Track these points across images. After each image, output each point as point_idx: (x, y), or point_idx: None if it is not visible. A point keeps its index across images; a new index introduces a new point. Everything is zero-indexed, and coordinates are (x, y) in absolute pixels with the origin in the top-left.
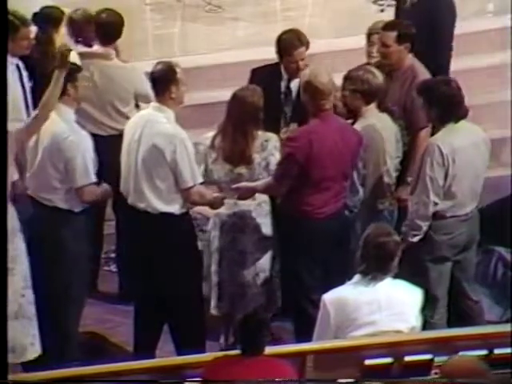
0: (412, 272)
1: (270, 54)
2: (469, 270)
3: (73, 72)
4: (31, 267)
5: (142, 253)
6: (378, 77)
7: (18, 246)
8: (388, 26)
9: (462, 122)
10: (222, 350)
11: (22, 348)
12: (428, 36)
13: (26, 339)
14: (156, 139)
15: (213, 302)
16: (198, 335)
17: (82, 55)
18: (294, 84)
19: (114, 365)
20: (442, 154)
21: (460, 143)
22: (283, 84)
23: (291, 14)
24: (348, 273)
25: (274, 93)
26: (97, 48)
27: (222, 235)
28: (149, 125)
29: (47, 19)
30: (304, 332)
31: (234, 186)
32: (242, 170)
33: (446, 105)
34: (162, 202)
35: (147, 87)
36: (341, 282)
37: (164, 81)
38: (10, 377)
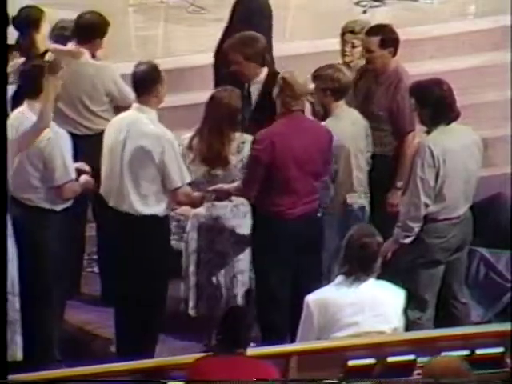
0: (402, 274)
1: None
2: (460, 271)
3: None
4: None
5: (122, 254)
6: (347, 74)
7: (10, 250)
8: (371, 31)
9: (454, 124)
10: (204, 351)
11: None
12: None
13: (9, 344)
14: (143, 141)
15: (191, 303)
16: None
17: (53, 53)
18: (254, 89)
19: (97, 366)
20: (432, 154)
21: (451, 145)
22: (245, 88)
23: (274, 15)
24: (319, 275)
25: None
26: (69, 46)
27: (199, 237)
28: (134, 126)
29: (27, 22)
30: (268, 335)
31: (211, 187)
32: (219, 171)
33: (438, 106)
34: (146, 205)
35: (120, 87)
36: (311, 285)
37: (148, 81)
38: (10, 377)
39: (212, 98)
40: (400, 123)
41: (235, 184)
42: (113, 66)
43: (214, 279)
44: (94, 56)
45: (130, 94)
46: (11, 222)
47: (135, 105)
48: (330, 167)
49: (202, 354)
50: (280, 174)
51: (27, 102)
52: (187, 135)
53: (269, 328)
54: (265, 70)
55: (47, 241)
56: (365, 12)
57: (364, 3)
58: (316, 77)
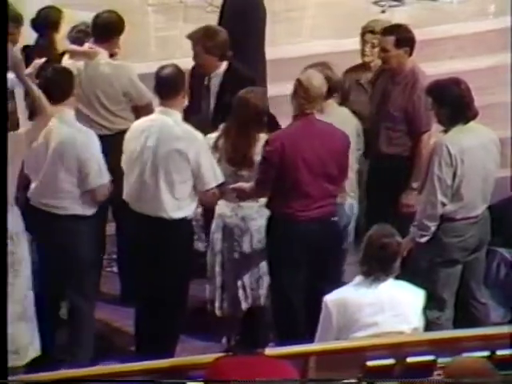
0: (420, 273)
1: (270, 55)
2: (478, 271)
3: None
4: (48, 276)
5: (145, 255)
6: (336, 72)
7: (22, 249)
8: (386, 31)
9: (472, 123)
10: (224, 351)
11: (24, 349)
12: (241, 34)
13: (27, 340)
14: (177, 143)
15: (217, 304)
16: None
17: (71, 54)
18: (214, 81)
19: (117, 366)
20: (450, 153)
21: (469, 144)
22: (205, 80)
23: (292, 15)
24: (335, 277)
25: (197, 89)
26: (85, 47)
27: (224, 237)
28: (164, 130)
29: (46, 22)
30: (284, 335)
31: (231, 186)
32: (244, 172)
33: (456, 105)
34: (179, 208)
35: (137, 86)
36: (327, 286)
37: (174, 84)
38: (10, 378)
39: (238, 98)
40: (415, 123)
41: (251, 184)
42: (130, 65)
43: (239, 280)
44: (112, 55)
45: (147, 93)
46: (22, 226)
47: (160, 108)
48: (347, 171)
49: (222, 354)
50: (290, 176)
51: (53, 107)
52: (212, 135)
53: (284, 328)
54: (224, 64)
55: (79, 246)
56: (383, 12)
57: (382, 3)
58: None
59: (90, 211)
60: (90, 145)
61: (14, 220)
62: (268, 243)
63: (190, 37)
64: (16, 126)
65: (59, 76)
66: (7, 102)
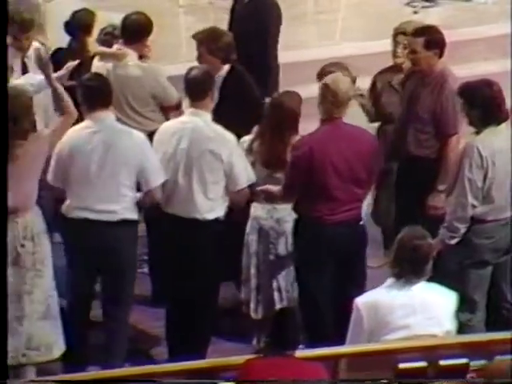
0: (451, 275)
1: (301, 57)
2: (509, 273)
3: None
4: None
5: (177, 257)
6: (351, 72)
7: (44, 249)
8: (416, 32)
9: (503, 125)
10: (254, 352)
11: (47, 347)
12: (256, 35)
13: (52, 338)
14: (210, 144)
15: (252, 305)
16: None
17: (100, 55)
18: (216, 84)
19: (148, 367)
20: (481, 155)
21: (500, 146)
22: None
23: (323, 17)
24: (361, 280)
25: None
26: (115, 48)
27: (260, 239)
28: (196, 132)
29: (79, 25)
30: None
31: (259, 188)
32: (279, 174)
33: (487, 107)
34: (213, 209)
35: (165, 87)
36: (354, 290)
37: (203, 86)
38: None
39: (273, 101)
40: (443, 125)
41: (279, 187)
42: (158, 66)
43: (274, 282)
44: (141, 57)
45: (175, 94)
46: (43, 227)
47: (190, 110)
48: (375, 175)
49: (252, 356)
50: (318, 181)
51: (96, 113)
52: (246, 138)
53: (313, 330)
54: (226, 67)
55: (125, 250)
56: (415, 13)
57: (415, 4)
58: (322, 75)
59: (137, 215)
60: (147, 145)
61: (36, 220)
62: (295, 246)
63: (195, 37)
64: (34, 128)
65: (103, 83)
66: (7, 102)
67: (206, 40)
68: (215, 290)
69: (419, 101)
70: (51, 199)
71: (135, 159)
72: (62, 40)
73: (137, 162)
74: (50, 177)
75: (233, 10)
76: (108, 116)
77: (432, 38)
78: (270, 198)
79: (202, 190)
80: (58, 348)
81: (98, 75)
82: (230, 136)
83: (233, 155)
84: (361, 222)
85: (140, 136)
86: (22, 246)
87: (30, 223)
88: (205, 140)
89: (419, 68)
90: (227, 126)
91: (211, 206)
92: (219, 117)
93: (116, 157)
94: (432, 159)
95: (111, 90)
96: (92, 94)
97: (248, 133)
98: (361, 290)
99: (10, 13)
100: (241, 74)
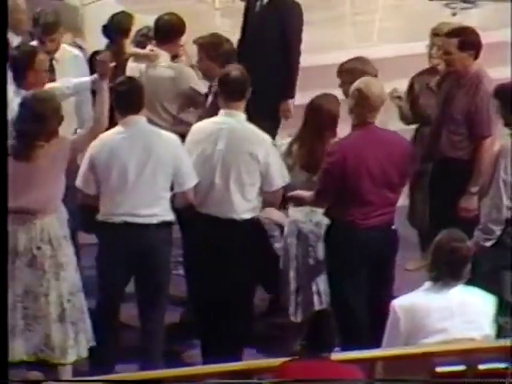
0: (486, 278)
1: (339, 59)
2: None
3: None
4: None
5: (214, 258)
6: (374, 66)
7: (66, 253)
8: (450, 33)
9: None
10: (290, 355)
11: (61, 350)
12: (278, 38)
13: (67, 343)
14: (248, 145)
15: (291, 309)
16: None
17: (134, 57)
18: (213, 89)
19: (184, 369)
20: None
21: None
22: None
23: (361, 19)
24: (388, 284)
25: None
26: (147, 49)
27: (299, 242)
28: (233, 132)
29: (117, 28)
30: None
31: (289, 193)
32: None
33: None
34: (250, 209)
35: (197, 88)
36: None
37: (242, 86)
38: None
39: (312, 103)
40: (476, 126)
41: (311, 193)
42: (189, 67)
43: (314, 285)
44: (175, 57)
45: (203, 91)
46: (65, 231)
47: (225, 110)
48: (407, 178)
49: (288, 358)
50: (352, 186)
51: (128, 117)
52: (284, 141)
53: (347, 333)
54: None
55: (166, 253)
56: (454, 14)
57: (453, 5)
58: (344, 71)
59: (173, 216)
60: (180, 147)
61: (56, 224)
62: (328, 250)
63: (196, 42)
64: (57, 132)
65: (134, 87)
66: (7, 102)
67: (207, 46)
68: (252, 290)
69: (454, 102)
70: (81, 204)
71: (170, 161)
72: (100, 42)
73: (172, 164)
74: (80, 182)
75: (246, 11)
76: (140, 120)
77: (467, 39)
78: (300, 203)
79: (240, 191)
80: (75, 353)
81: (129, 79)
82: (265, 136)
83: (269, 156)
84: (393, 227)
85: (173, 138)
86: (38, 248)
87: (47, 226)
88: (242, 141)
89: (454, 69)
90: None
91: (248, 207)
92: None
93: (153, 160)
94: (465, 161)
95: (143, 93)
96: (123, 99)
97: None
98: (389, 294)
99: (35, 15)
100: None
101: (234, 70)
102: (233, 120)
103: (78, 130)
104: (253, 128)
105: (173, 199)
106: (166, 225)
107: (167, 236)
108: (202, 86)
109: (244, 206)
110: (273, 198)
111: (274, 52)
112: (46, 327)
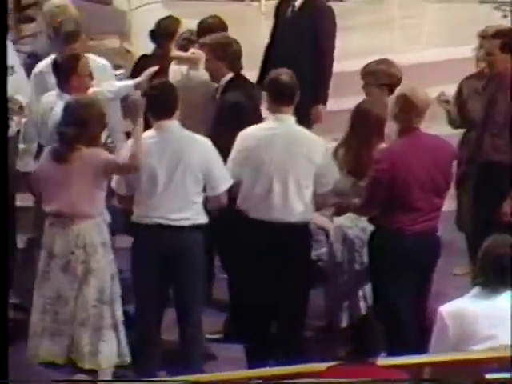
0: None
1: None
2: None
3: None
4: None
5: (266, 263)
6: (399, 69)
7: (99, 259)
8: (495, 35)
9: None
10: (336, 359)
11: (92, 355)
12: (311, 44)
13: (85, 348)
14: (303, 148)
15: (337, 314)
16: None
17: (177, 60)
18: (220, 88)
19: (230, 373)
20: None
21: None
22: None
23: (410, 22)
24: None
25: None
26: (190, 52)
27: (344, 247)
28: (287, 136)
29: (165, 33)
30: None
31: (332, 202)
32: (365, 183)
33: None
34: (308, 212)
35: None
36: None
37: (295, 90)
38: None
39: (358, 108)
40: None
41: (356, 201)
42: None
43: (360, 290)
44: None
45: None
46: (103, 238)
47: (275, 115)
48: (450, 182)
49: (334, 363)
50: (401, 194)
51: (160, 122)
52: (329, 145)
53: (393, 339)
54: (230, 75)
55: (201, 255)
56: (505, 16)
57: (504, 7)
58: (368, 73)
59: (206, 219)
60: (213, 151)
61: (93, 231)
62: (372, 256)
63: (204, 43)
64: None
65: (168, 91)
66: (7, 103)
67: (215, 46)
68: (307, 294)
69: (496, 105)
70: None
71: (200, 166)
72: (147, 47)
73: (202, 169)
74: (113, 183)
75: (277, 17)
76: (172, 124)
77: (509, 41)
78: (341, 212)
79: (298, 194)
80: (107, 360)
81: (163, 84)
82: (316, 137)
83: (324, 157)
84: (437, 233)
85: (205, 142)
86: (72, 253)
87: (84, 232)
88: (298, 144)
89: (496, 71)
90: (226, 132)
91: (306, 210)
92: (217, 120)
93: (183, 166)
94: (508, 165)
95: (176, 98)
96: (156, 104)
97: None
98: (427, 300)
99: (55, 25)
100: (241, 82)
101: (283, 74)
102: (283, 124)
103: (109, 140)
104: (305, 131)
105: (205, 202)
106: (199, 227)
107: (201, 238)
108: None
109: (301, 209)
110: (323, 199)
111: (305, 57)
112: (74, 331)
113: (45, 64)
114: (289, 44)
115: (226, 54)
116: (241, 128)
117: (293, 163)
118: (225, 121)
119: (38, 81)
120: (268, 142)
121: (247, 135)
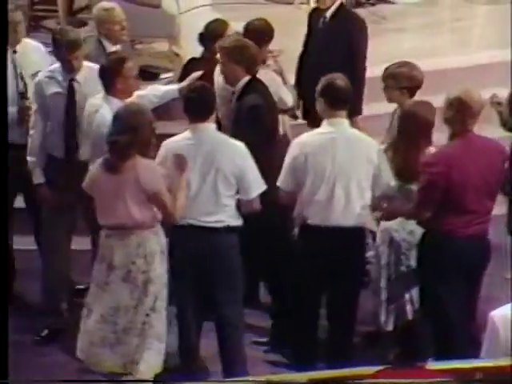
0: None
1: (435, 66)
2: None
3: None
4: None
5: (320, 267)
6: (422, 72)
7: (155, 268)
8: None
9: None
10: (385, 363)
11: (130, 360)
12: (344, 55)
13: (135, 356)
14: (363, 151)
15: (382, 317)
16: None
17: (215, 61)
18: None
19: (269, 376)
20: None
21: None
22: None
23: (460, 25)
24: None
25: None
26: None
27: (391, 250)
28: (345, 140)
29: (213, 36)
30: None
31: (385, 206)
32: (413, 186)
33: None
34: (365, 215)
35: (281, 93)
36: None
37: (346, 95)
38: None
39: (407, 111)
40: None
41: (407, 206)
42: (272, 72)
43: (407, 294)
44: (263, 63)
45: (291, 98)
46: (160, 247)
47: (330, 120)
48: (501, 184)
49: (382, 367)
50: (456, 197)
51: (196, 125)
52: (381, 147)
53: (443, 343)
54: (246, 78)
55: (236, 256)
56: None
57: None
58: (389, 76)
59: (240, 222)
60: (247, 155)
61: (153, 239)
62: (423, 259)
63: (220, 47)
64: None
65: (204, 94)
66: (7, 103)
67: (232, 50)
68: (358, 297)
69: None
70: None
71: (232, 170)
72: (196, 50)
73: (234, 174)
74: None
75: (310, 27)
76: (208, 127)
77: None
78: (390, 217)
79: (361, 197)
80: (150, 368)
81: (201, 87)
82: (370, 138)
83: (380, 157)
84: (488, 236)
85: (239, 146)
86: (133, 263)
87: (144, 241)
88: (356, 147)
89: None
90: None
91: (365, 212)
92: (236, 124)
93: (215, 169)
94: None
95: (213, 101)
96: (192, 106)
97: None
98: (476, 303)
99: (58, 34)
100: (258, 85)
101: (338, 79)
102: (340, 128)
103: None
104: (359, 132)
105: (239, 206)
106: (234, 230)
107: (235, 240)
108: (290, 97)
109: (361, 211)
110: (378, 200)
111: (338, 67)
112: (132, 340)
113: (43, 73)
114: (322, 54)
115: (243, 57)
116: (260, 131)
117: (354, 166)
118: (244, 124)
119: (37, 90)
120: (328, 147)
121: (305, 142)
